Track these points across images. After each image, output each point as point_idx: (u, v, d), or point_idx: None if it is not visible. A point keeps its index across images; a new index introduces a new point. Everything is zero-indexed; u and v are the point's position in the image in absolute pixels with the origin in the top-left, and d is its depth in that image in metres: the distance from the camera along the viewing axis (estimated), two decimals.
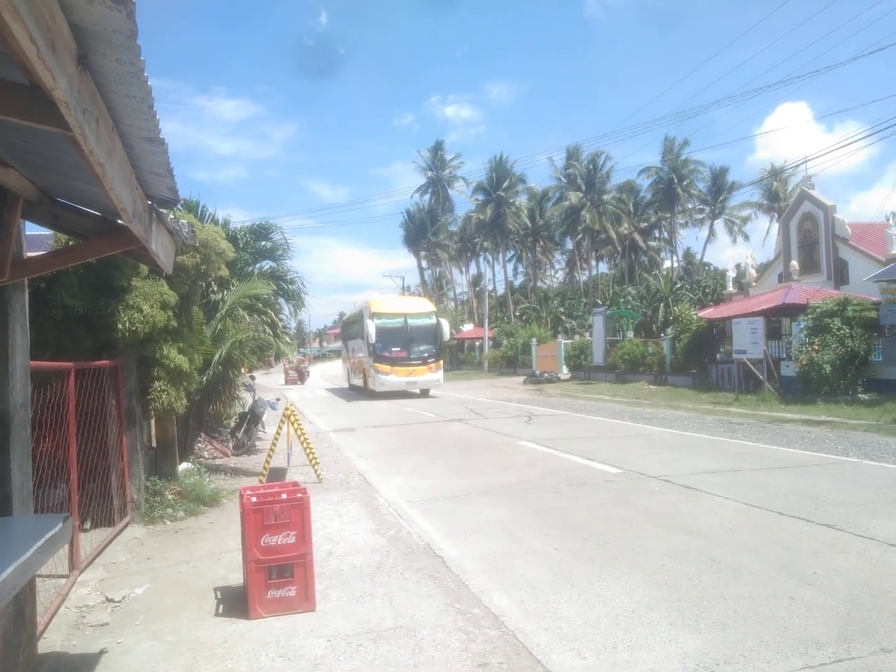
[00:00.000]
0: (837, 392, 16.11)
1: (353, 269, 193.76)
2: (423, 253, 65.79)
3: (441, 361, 25.51)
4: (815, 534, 5.83)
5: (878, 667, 3.47)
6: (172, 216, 4.22)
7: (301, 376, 39.85)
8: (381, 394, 23.83)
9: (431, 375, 24.46)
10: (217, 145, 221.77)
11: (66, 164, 3.16)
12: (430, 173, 63.61)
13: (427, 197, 64.45)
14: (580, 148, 56.65)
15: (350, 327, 31.57)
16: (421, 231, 62.84)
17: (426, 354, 24.45)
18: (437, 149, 63.39)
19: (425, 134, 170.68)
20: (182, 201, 4.12)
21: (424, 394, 24.94)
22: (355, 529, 6.58)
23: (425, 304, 28.10)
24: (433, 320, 25.25)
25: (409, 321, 24.61)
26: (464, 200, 64.82)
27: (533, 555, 5.55)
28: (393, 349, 23.79)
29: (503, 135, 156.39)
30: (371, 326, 23.51)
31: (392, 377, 23.62)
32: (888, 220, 24.86)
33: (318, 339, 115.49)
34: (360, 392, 27.00)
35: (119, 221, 3.77)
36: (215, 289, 10.61)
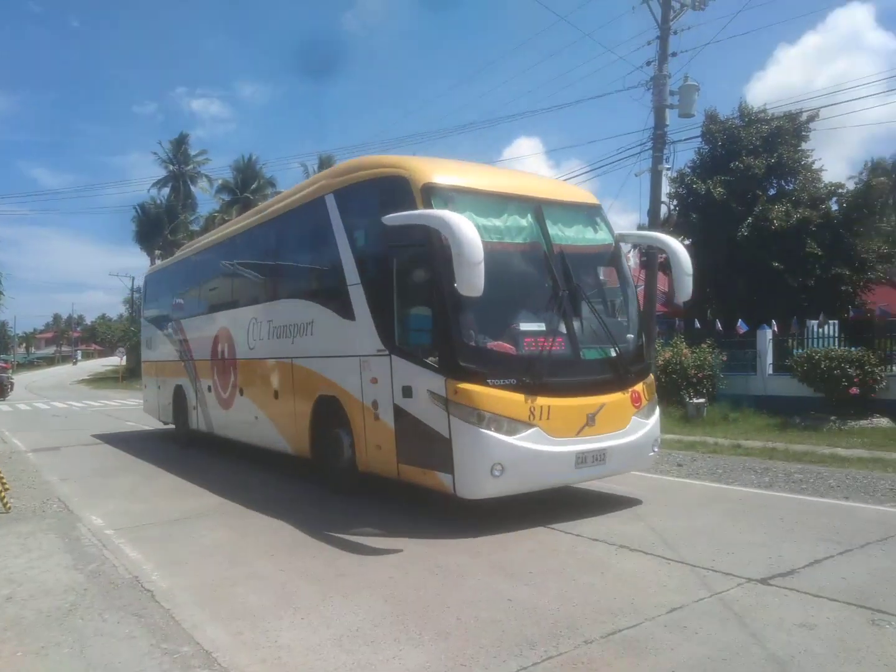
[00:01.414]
0: None
1: (74, 266, 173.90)
2: (158, 252, 60.65)
3: (652, 377, 7.28)
4: (530, 533, 6.19)
5: (581, 658, 3.67)
6: None
7: (2, 389, 33.21)
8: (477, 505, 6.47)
9: (641, 428, 6.76)
10: None
11: None
12: (171, 167, 59.14)
13: (166, 192, 59.90)
14: (333, 157, 56.79)
15: (226, 272, 11.13)
16: (157, 228, 58.04)
17: (620, 352, 6.73)
18: (181, 142, 59.23)
19: (169, 125, 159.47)
20: None
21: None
22: (46, 566, 5.58)
23: (578, 191, 8.09)
24: (607, 235, 7.42)
25: (557, 233, 6.70)
26: (208, 199, 61.31)
27: (256, 578, 5.14)
28: (523, 328, 6.21)
29: (255, 136, 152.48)
30: (468, 237, 5.30)
31: (541, 441, 5.97)
32: None
33: (24, 345, 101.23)
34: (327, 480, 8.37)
35: None
36: None
